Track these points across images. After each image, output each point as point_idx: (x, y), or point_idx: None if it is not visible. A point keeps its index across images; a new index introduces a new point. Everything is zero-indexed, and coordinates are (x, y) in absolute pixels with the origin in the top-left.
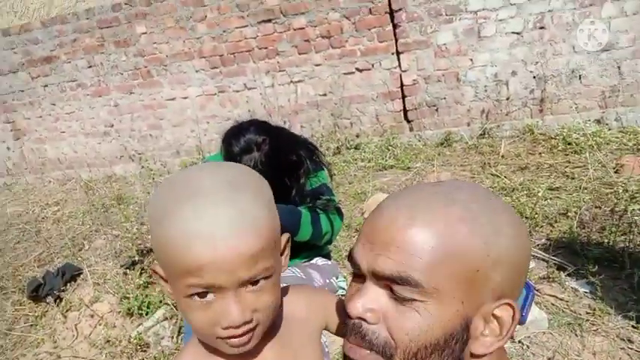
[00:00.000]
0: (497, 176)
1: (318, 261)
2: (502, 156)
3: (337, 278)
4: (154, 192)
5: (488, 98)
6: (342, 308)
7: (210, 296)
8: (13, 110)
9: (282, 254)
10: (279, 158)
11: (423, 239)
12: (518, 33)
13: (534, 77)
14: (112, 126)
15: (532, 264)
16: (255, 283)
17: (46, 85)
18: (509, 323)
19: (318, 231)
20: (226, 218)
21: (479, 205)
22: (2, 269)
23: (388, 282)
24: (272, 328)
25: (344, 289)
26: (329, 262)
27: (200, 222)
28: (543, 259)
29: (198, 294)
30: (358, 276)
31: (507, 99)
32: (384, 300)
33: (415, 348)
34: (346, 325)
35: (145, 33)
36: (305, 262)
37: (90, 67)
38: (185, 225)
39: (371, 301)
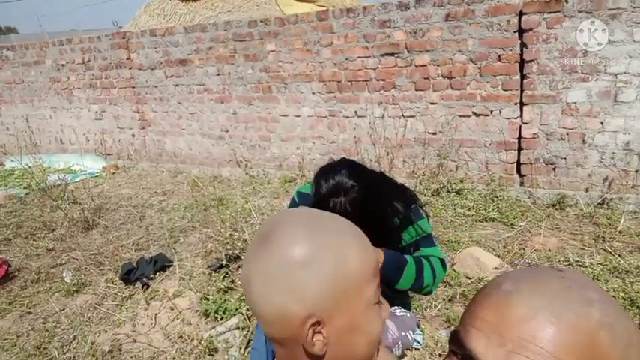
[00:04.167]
0: (611, 253)
1: (397, 310)
2: (620, 231)
3: (413, 332)
4: None
5: (614, 167)
6: None
7: None
8: (144, 102)
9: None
10: (367, 207)
11: (570, 342)
12: None
13: None
14: (227, 131)
15: None
16: None
17: (177, 85)
18: None
19: (420, 282)
20: None
21: (611, 307)
22: (104, 245)
23: None
24: None
25: (420, 342)
26: (408, 314)
27: None
28: None
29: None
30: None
31: (636, 171)
32: None
33: None
34: None
35: (274, 51)
36: None
37: (218, 74)
38: None
39: None
